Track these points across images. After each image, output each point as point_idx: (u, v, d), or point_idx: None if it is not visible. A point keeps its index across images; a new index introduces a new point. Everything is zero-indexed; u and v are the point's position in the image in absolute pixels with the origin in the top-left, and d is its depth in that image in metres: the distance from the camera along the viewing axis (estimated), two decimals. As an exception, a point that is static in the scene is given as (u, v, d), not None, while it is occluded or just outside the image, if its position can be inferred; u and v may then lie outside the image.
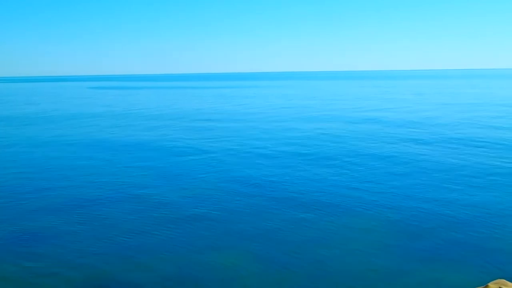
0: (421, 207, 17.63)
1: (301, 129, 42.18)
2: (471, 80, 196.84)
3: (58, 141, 37.01)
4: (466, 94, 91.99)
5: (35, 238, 15.11)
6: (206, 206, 18.50)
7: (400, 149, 30.09)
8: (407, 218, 16.37)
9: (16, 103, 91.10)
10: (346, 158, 27.64)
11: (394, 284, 11.58)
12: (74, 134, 41.38)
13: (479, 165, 24.61)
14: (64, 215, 17.43)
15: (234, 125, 46.47)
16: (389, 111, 58.38)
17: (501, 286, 9.46)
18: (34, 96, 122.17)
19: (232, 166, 25.88)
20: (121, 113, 63.22)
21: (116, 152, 31.32)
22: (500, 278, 10.16)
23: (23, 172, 25.16)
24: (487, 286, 9.57)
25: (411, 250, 13.57)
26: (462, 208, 17.30)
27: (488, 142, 31.94)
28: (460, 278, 11.67)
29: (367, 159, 27.21)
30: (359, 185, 21.03)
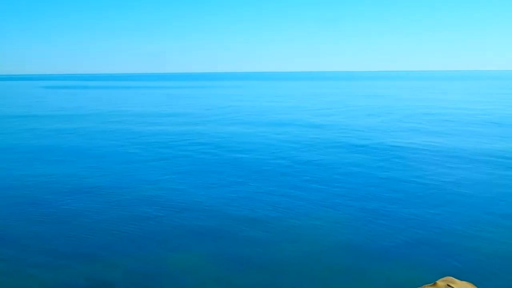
0: (371, 206, 17.60)
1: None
2: (436, 81, 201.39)
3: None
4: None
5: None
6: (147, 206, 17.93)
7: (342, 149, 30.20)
8: (359, 218, 16.27)
9: None
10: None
11: (345, 283, 11.42)
12: None
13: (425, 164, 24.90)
14: None
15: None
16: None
17: (449, 283, 9.37)
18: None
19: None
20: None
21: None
22: (448, 275, 10.09)
23: None
24: (435, 283, 9.46)
25: (361, 249, 13.45)
26: (410, 208, 17.35)
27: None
28: (409, 276, 11.60)
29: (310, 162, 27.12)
30: (317, 186, 20.86)
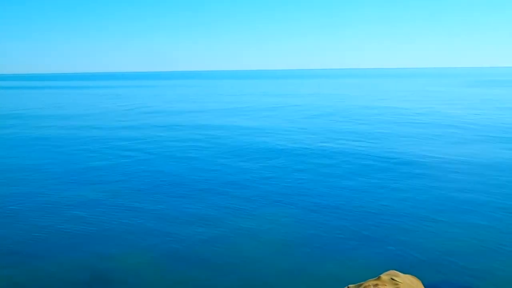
0: (313, 201, 17.60)
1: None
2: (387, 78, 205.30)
3: None
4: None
5: None
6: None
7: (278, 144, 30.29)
8: (301, 214, 16.23)
9: None
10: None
11: (289, 280, 11.34)
12: None
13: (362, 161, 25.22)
14: None
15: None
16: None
17: (392, 277, 9.39)
18: None
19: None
20: None
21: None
22: (392, 269, 10.09)
23: None
24: (379, 277, 9.46)
25: (305, 246, 13.39)
26: (353, 202, 17.47)
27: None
28: (353, 271, 11.62)
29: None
30: (254, 185, 20.73)
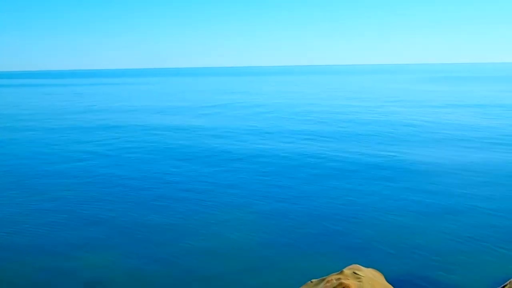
0: (276, 201, 17.65)
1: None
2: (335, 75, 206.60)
3: None
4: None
5: None
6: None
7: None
8: (265, 214, 16.23)
9: None
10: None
11: (254, 275, 11.38)
12: None
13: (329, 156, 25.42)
14: None
15: None
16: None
17: (355, 271, 9.48)
18: None
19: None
20: None
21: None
22: (355, 263, 10.18)
23: None
24: (342, 271, 9.55)
25: (270, 245, 13.41)
26: (316, 200, 17.59)
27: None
28: (317, 266, 11.69)
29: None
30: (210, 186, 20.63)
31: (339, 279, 9.19)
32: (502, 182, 19.36)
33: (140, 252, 12.88)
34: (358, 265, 9.84)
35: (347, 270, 9.54)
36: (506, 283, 9.31)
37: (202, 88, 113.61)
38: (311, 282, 9.79)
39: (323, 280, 9.49)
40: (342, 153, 26.28)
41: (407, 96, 69.08)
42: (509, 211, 15.67)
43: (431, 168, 22.12)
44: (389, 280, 9.73)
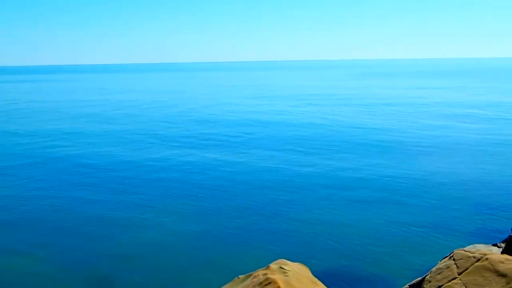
0: (198, 199, 17.69)
1: None
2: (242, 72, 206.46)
3: None
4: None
5: None
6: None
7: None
8: (192, 215, 16.13)
9: None
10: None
11: (183, 277, 11.32)
12: None
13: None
14: None
15: None
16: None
17: (281, 266, 9.53)
18: None
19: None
20: None
21: None
22: (281, 258, 10.24)
23: None
24: (268, 267, 9.56)
25: (197, 243, 13.36)
26: (242, 198, 17.66)
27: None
28: (243, 262, 11.72)
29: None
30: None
31: (265, 274, 9.21)
32: (417, 177, 20.21)
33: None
34: (284, 260, 9.89)
35: (273, 265, 9.57)
36: (426, 274, 9.74)
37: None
38: (238, 278, 9.77)
39: (250, 275, 9.49)
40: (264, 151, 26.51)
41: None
42: (427, 204, 16.42)
43: (354, 165, 22.75)
44: (315, 273, 9.88)
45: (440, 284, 7.35)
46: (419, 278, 8.76)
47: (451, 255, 7.87)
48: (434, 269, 7.84)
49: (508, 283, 6.75)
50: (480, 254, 7.49)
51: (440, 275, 7.52)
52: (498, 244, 11.55)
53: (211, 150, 26.78)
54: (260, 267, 9.80)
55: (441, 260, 8.08)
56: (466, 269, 7.28)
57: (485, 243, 11.82)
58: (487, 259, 7.28)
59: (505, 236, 12.34)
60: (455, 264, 7.52)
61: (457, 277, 7.26)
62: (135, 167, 22.76)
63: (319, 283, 9.23)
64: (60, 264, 11.95)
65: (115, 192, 18.26)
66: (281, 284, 8.98)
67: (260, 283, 9.18)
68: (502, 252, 9.30)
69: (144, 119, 41.71)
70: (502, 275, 6.88)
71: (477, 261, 7.33)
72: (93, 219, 15.37)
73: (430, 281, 7.57)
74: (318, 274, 9.73)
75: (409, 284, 9.16)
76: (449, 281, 7.28)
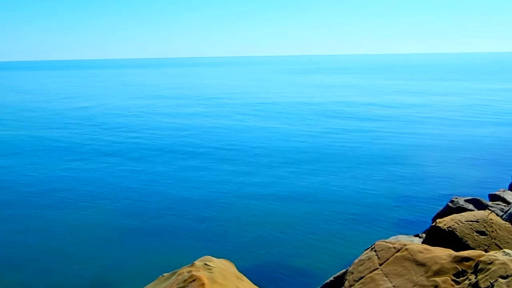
0: (118, 197, 17.45)
1: None
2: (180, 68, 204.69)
3: None
4: None
5: None
6: None
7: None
8: (113, 207, 15.78)
9: None
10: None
11: (110, 277, 11.03)
12: None
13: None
14: None
15: None
16: None
17: (206, 262, 9.42)
18: None
19: None
20: None
21: None
22: (206, 255, 10.13)
23: None
24: (193, 264, 9.44)
25: (120, 242, 13.11)
26: (163, 195, 17.45)
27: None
28: (168, 259, 11.58)
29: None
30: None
31: (190, 271, 9.07)
32: (342, 170, 20.65)
33: None
34: (209, 257, 9.79)
35: (198, 262, 9.45)
36: (350, 266, 9.89)
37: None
38: (163, 276, 9.58)
39: (174, 273, 9.32)
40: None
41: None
42: (352, 197, 16.76)
43: (273, 164, 22.91)
44: (240, 269, 9.81)
45: (362, 275, 7.42)
46: (343, 270, 8.85)
47: (373, 246, 7.98)
48: (356, 260, 7.92)
49: (426, 272, 6.88)
50: (400, 244, 7.63)
51: (362, 266, 7.59)
52: (420, 235, 11.90)
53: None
54: (185, 265, 9.66)
55: (363, 252, 8.17)
56: (387, 260, 7.39)
57: (408, 234, 12.13)
58: (406, 249, 7.41)
59: (427, 226, 12.74)
60: (377, 255, 7.62)
61: (378, 268, 7.35)
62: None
63: (244, 278, 9.19)
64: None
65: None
66: (205, 280, 8.87)
67: (185, 281, 9.03)
68: (423, 242, 9.53)
69: None
70: (421, 264, 7.02)
71: (397, 252, 7.46)
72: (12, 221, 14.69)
73: (352, 273, 7.63)
74: (243, 270, 9.66)
75: (333, 276, 9.24)
76: (371, 272, 7.36)
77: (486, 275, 6.16)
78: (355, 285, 7.30)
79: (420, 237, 11.50)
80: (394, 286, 6.85)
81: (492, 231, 8.66)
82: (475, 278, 6.28)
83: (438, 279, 6.63)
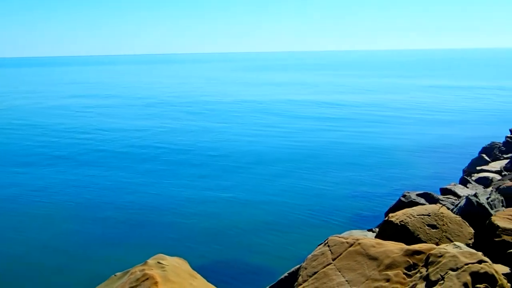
0: (67, 194, 17.07)
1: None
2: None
3: None
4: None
5: None
6: None
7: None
8: (64, 206, 15.43)
9: None
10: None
11: (58, 279, 10.77)
12: None
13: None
14: None
15: None
16: None
17: (159, 261, 9.29)
18: None
19: None
20: None
21: None
22: (159, 253, 9.98)
23: None
24: (146, 262, 9.28)
25: (68, 243, 12.77)
26: (121, 194, 17.21)
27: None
28: (120, 258, 11.37)
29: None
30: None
31: (143, 270, 8.91)
32: (300, 166, 20.78)
33: None
34: (162, 255, 9.65)
35: (151, 261, 9.30)
36: (301, 264, 9.94)
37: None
38: (115, 275, 9.38)
39: (127, 272, 9.13)
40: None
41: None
42: (307, 193, 16.87)
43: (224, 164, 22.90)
44: (193, 267, 9.72)
45: (315, 270, 7.42)
46: (297, 266, 8.85)
47: (326, 241, 8.00)
48: (309, 256, 7.92)
49: (378, 266, 6.93)
50: (353, 239, 7.66)
51: (315, 261, 7.59)
52: (373, 229, 12.04)
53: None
54: (138, 263, 9.50)
55: (317, 247, 8.18)
56: (340, 255, 7.41)
57: (361, 229, 12.26)
58: (359, 244, 7.45)
59: (380, 221, 12.91)
60: (330, 250, 7.63)
61: (331, 263, 7.36)
62: None
63: (198, 276, 9.09)
64: None
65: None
66: (158, 279, 8.73)
67: (137, 279, 8.87)
68: (376, 237, 9.63)
69: None
70: (373, 258, 7.06)
71: (350, 246, 7.49)
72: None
73: (306, 268, 7.62)
74: (197, 268, 9.56)
75: (288, 272, 9.24)
76: (324, 267, 7.36)
77: (437, 268, 6.23)
78: (308, 280, 7.29)
79: (373, 232, 11.63)
80: (347, 281, 6.87)
81: (443, 225, 8.81)
82: (426, 271, 6.35)
83: (390, 273, 6.68)
